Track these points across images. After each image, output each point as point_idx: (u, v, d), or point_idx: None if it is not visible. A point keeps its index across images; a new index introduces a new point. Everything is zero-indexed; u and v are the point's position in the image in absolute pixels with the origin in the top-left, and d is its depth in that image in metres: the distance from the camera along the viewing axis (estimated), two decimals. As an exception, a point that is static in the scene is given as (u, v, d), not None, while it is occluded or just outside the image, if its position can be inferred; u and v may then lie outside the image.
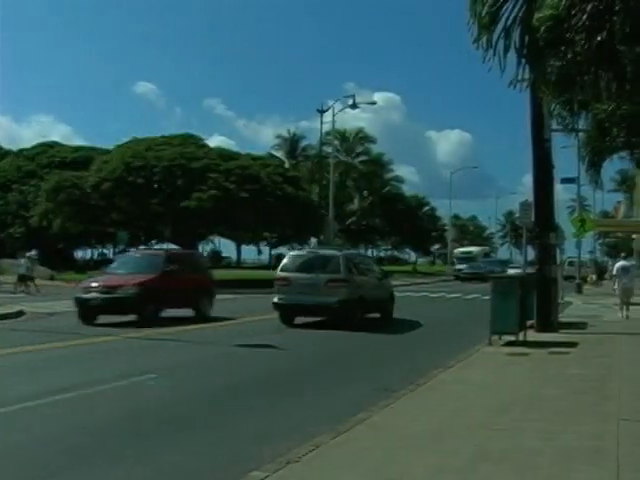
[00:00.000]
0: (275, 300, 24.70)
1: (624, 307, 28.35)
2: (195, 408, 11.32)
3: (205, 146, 60.86)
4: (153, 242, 79.71)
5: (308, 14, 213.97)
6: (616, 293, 30.02)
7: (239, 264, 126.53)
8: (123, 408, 11.19)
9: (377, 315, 26.66)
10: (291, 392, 12.72)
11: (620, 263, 30.86)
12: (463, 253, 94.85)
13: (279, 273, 25.39)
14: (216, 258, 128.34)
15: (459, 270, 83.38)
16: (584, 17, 11.90)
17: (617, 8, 11.86)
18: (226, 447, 8.97)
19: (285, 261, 26.41)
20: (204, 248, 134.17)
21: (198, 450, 8.80)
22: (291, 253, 29.23)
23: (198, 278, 27.49)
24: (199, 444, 9.05)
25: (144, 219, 56.85)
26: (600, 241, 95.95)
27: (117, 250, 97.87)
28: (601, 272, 71.18)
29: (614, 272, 31.61)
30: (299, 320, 24.79)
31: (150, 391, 12.69)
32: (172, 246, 66.04)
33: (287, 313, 24.80)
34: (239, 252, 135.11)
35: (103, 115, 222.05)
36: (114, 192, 53.74)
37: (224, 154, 59.16)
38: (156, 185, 53.13)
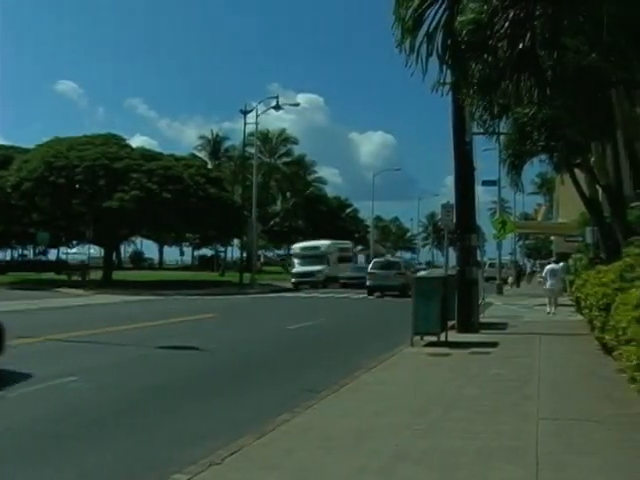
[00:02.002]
0: (367, 284, 47.69)
1: (552, 305, 30.32)
2: (117, 410, 11.19)
3: (127, 146, 59.92)
4: (74, 242, 78.66)
5: (233, 14, 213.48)
6: (545, 294, 31.58)
7: (161, 265, 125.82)
8: (45, 410, 11.02)
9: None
10: (216, 393, 12.66)
11: (550, 266, 32.85)
12: (305, 249, 64.23)
13: (370, 270, 48.74)
14: (138, 259, 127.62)
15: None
16: (506, 24, 12.09)
17: (538, 13, 12.09)
18: (148, 449, 8.90)
19: (372, 265, 50.49)
20: (126, 249, 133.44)
21: (120, 452, 8.71)
22: (375, 260, 53.24)
23: None
24: (121, 446, 8.97)
25: (65, 219, 55.84)
26: (520, 243, 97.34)
27: (38, 251, 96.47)
28: (520, 274, 72.19)
29: (543, 274, 33.92)
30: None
31: (72, 393, 12.50)
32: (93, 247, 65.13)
33: (373, 290, 47.25)
34: (161, 253, 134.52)
35: (24, 114, 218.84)
36: (35, 192, 52.66)
37: (146, 154, 58.35)
38: (78, 185, 52.14)
